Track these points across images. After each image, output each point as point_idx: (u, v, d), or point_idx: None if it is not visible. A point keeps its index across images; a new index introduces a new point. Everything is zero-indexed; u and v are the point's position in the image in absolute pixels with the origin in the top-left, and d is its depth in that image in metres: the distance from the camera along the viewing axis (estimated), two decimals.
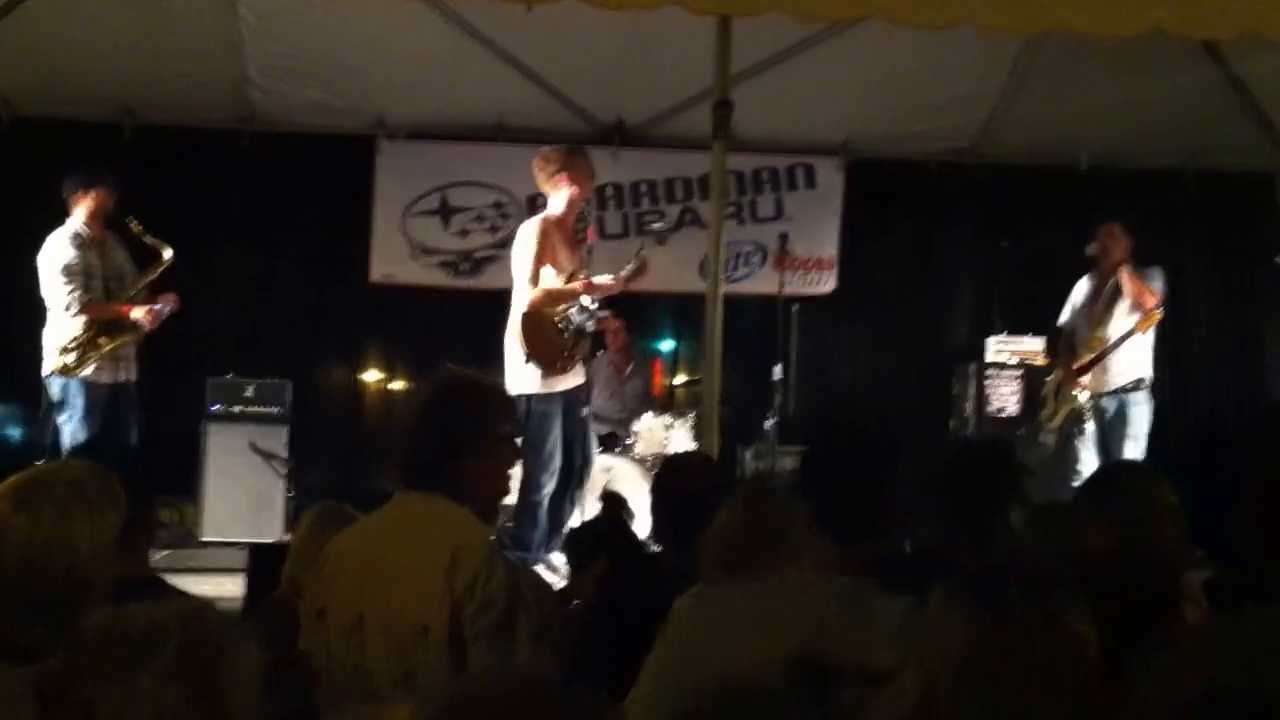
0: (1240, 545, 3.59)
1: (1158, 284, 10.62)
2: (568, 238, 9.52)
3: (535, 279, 9.30)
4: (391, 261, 12.84)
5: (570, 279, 9.39)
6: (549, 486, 9.33)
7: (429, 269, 12.93)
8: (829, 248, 13.25)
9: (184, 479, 11.33)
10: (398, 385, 13.35)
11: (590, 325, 9.43)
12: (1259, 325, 13.83)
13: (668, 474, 6.20)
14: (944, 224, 13.84)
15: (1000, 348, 12.47)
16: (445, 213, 12.94)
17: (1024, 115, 12.48)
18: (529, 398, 9.18)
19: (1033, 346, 12.20)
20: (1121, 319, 10.65)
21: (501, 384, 8.27)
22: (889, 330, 13.94)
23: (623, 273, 9.52)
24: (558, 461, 9.38)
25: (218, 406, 11.61)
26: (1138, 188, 13.01)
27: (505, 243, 11.95)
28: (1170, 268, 11.05)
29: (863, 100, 12.45)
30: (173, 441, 11.39)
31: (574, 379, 9.49)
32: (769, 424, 11.51)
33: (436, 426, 4.21)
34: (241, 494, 11.38)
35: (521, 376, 9.24)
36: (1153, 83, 11.33)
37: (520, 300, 9.36)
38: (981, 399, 12.24)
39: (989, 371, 12.31)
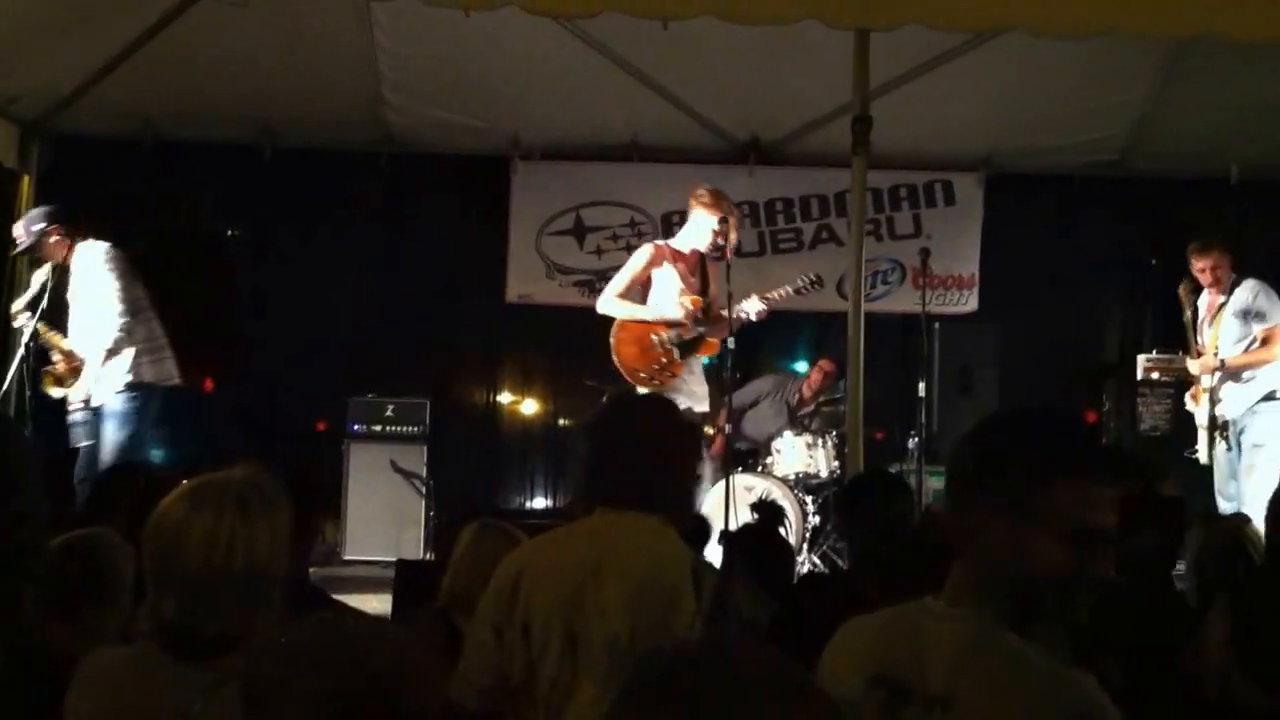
0: None
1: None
2: (688, 266, 10.19)
3: (625, 292, 10.11)
4: (527, 281, 13.35)
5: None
6: None
7: (564, 288, 13.38)
8: (969, 265, 13.54)
9: (327, 497, 11.50)
10: (534, 404, 13.89)
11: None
12: None
13: (855, 497, 6.43)
14: (1090, 238, 13.86)
15: (1150, 364, 12.53)
16: (580, 232, 13.42)
17: (1171, 125, 12.53)
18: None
19: (1184, 364, 11.60)
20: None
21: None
22: (1035, 348, 13.91)
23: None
24: None
25: (359, 426, 12.33)
26: None
27: None
28: None
29: (1003, 113, 12.61)
30: (316, 461, 12.02)
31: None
32: (913, 443, 11.74)
33: (652, 446, 4.46)
34: (383, 512, 12.08)
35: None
36: None
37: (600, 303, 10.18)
38: (1134, 418, 12.40)
39: (1140, 390, 12.43)
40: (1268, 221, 12.34)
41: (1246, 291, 10.83)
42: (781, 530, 7.33)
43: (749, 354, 12.60)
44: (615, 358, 10.00)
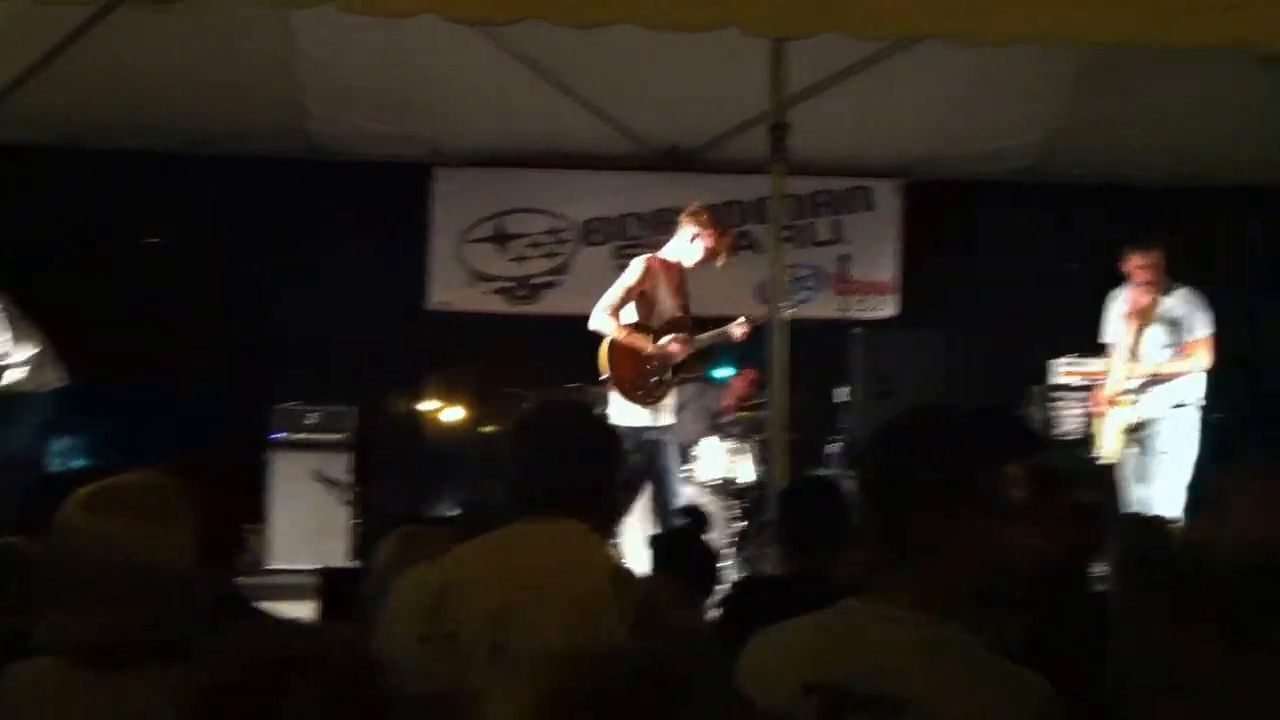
0: None
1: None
2: (673, 278, 10.45)
3: (616, 309, 10.29)
4: (449, 289, 13.48)
5: (669, 324, 10.36)
6: None
7: (486, 295, 13.52)
8: (888, 271, 13.74)
9: (251, 506, 11.72)
10: (457, 411, 13.92)
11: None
12: None
13: (792, 498, 6.65)
14: (1008, 245, 13.77)
15: (1068, 369, 12.70)
16: (501, 239, 13.51)
17: (1086, 133, 12.63)
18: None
19: (1101, 368, 11.83)
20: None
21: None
22: (955, 353, 13.40)
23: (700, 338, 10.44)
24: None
25: (282, 434, 12.44)
26: (1205, 205, 13.18)
27: (562, 268, 12.84)
28: (1238, 285, 11.49)
29: (922, 121, 12.69)
30: (240, 469, 11.59)
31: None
32: (834, 448, 12.06)
33: (573, 452, 4.47)
34: (307, 520, 12.15)
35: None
36: (1218, 97, 11.51)
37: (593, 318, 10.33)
38: (1050, 422, 12.47)
39: (1058, 395, 12.57)
40: (1184, 225, 12.38)
41: (1181, 301, 10.98)
42: (705, 536, 7.43)
43: None
44: (608, 374, 10.15)
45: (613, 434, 4.97)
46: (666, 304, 10.38)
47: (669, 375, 10.25)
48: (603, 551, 4.45)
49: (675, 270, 10.45)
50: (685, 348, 10.33)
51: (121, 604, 3.41)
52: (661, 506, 10.38)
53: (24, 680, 3.51)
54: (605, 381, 10.28)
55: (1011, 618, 3.17)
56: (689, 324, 10.47)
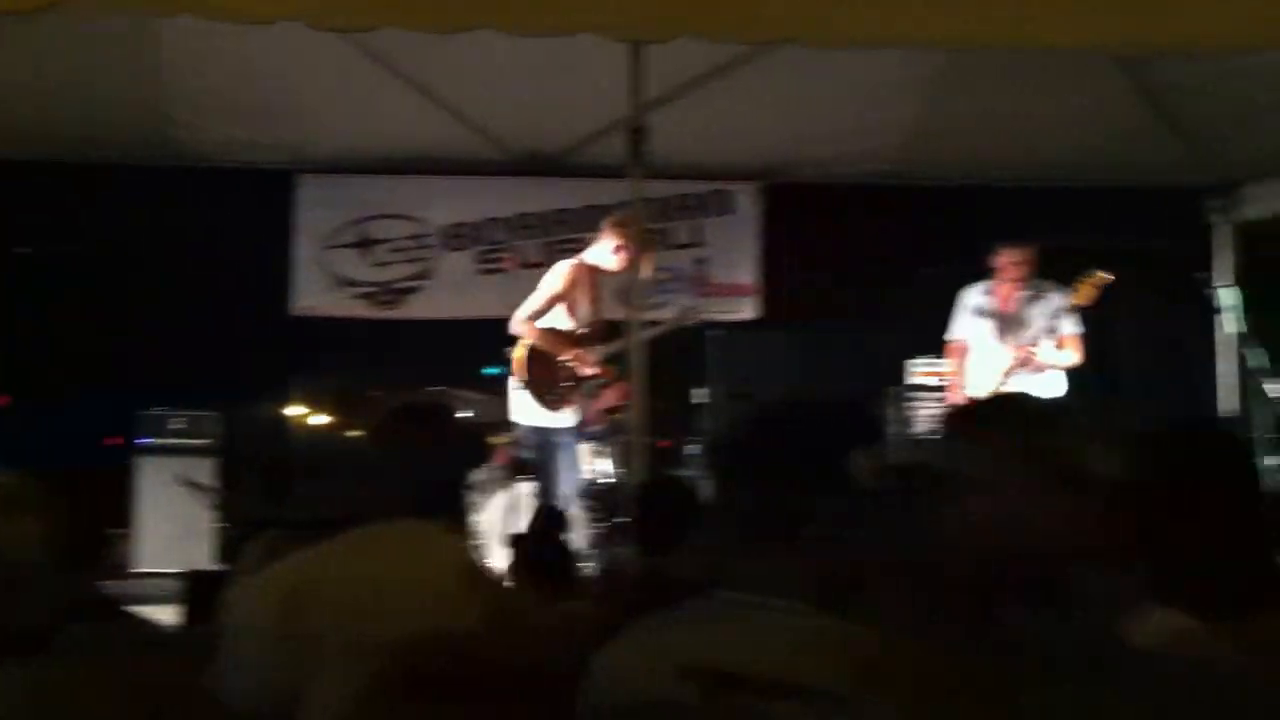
0: None
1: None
2: (594, 290, 10.69)
3: (539, 315, 10.58)
4: (313, 294, 13.41)
5: (587, 330, 10.63)
6: None
7: (349, 301, 13.46)
8: (748, 274, 13.82)
9: (117, 510, 12.01)
10: (321, 415, 14.02)
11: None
12: (1183, 344, 14.14)
13: (640, 498, 6.74)
14: (865, 248, 14.12)
15: (922, 371, 12.92)
16: (364, 245, 13.48)
17: (944, 135, 12.65)
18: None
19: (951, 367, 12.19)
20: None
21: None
22: (814, 355, 13.75)
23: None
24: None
25: (148, 439, 12.51)
26: (1059, 205, 13.52)
27: (424, 273, 12.93)
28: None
29: (781, 124, 12.74)
30: (105, 474, 11.99)
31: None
32: (692, 450, 12.15)
33: (423, 453, 4.65)
34: (172, 525, 12.21)
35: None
36: (1072, 99, 11.69)
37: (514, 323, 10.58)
38: (906, 422, 12.65)
39: (913, 394, 12.76)
40: (1038, 226, 12.61)
41: (1058, 295, 11.30)
42: (563, 535, 7.57)
43: None
44: (523, 377, 10.39)
45: (468, 436, 5.09)
46: (584, 309, 10.55)
47: (581, 381, 10.41)
48: (457, 551, 4.52)
49: (595, 276, 10.63)
50: (597, 354, 10.51)
51: None
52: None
53: None
54: (522, 384, 10.55)
55: (872, 601, 3.23)
56: (604, 329, 10.64)
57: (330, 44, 10.59)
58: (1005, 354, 11.39)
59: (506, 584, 4.93)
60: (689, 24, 7.47)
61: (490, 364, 11.47)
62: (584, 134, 12.80)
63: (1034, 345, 11.27)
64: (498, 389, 11.05)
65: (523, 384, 10.52)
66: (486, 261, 13.30)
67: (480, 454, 12.13)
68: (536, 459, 10.76)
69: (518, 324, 10.63)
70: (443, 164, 13.41)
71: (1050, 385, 11.27)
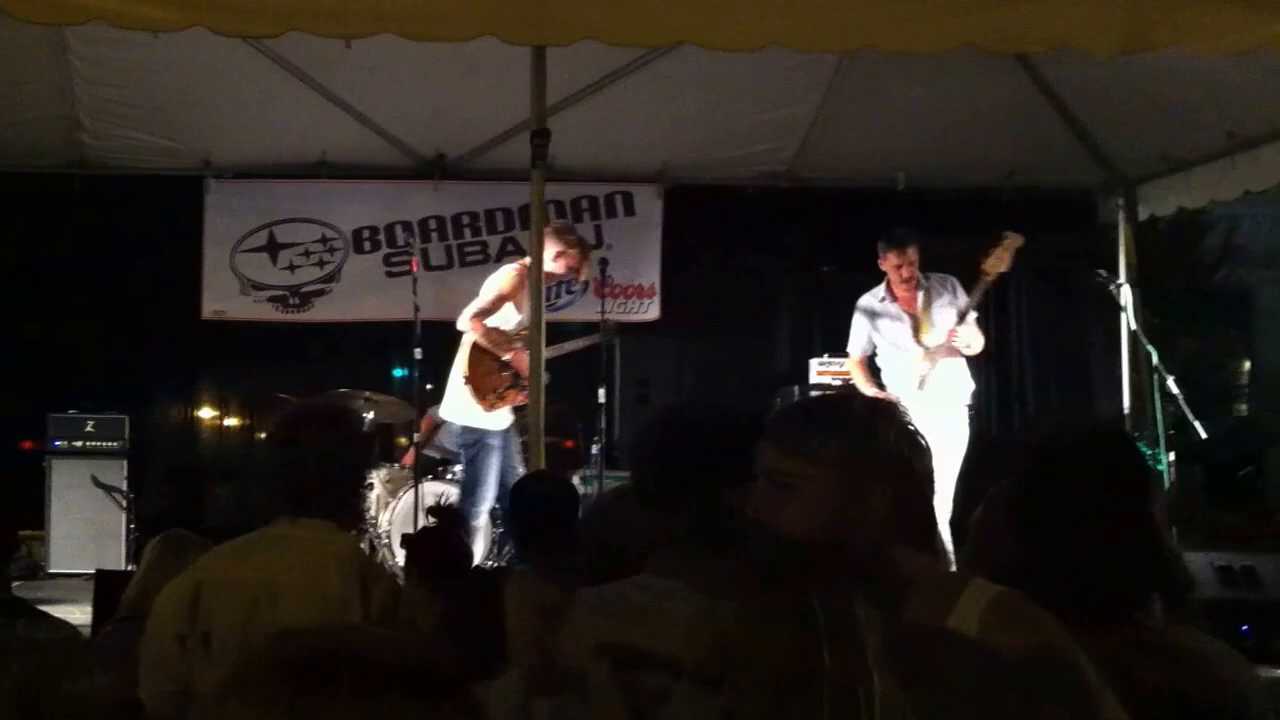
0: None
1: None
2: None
3: (486, 313, 10.73)
4: (222, 298, 13.40)
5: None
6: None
7: (258, 304, 13.47)
8: (650, 275, 13.87)
9: (30, 512, 12.10)
10: (231, 418, 14.12)
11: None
12: (1083, 342, 14.47)
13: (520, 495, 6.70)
14: (764, 249, 14.33)
15: (823, 369, 13.09)
16: (273, 249, 13.50)
17: (839, 137, 12.85)
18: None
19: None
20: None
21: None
22: (713, 355, 14.38)
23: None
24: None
25: (60, 442, 12.61)
26: (956, 206, 13.68)
27: (332, 276, 13.04)
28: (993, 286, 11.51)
29: (679, 126, 12.91)
30: (16, 476, 12.17)
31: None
32: (595, 449, 12.23)
33: (321, 454, 4.64)
34: (85, 527, 12.39)
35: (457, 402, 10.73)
36: (969, 100, 11.79)
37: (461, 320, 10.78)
38: None
39: (812, 394, 12.29)
40: (935, 227, 12.72)
41: (944, 287, 11.36)
42: (463, 533, 7.76)
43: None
44: (463, 376, 10.61)
45: (366, 438, 5.17)
46: (526, 312, 10.72)
47: (520, 382, 10.60)
48: (353, 551, 4.72)
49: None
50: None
51: None
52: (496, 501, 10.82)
53: None
54: (464, 379, 10.72)
55: (778, 590, 3.39)
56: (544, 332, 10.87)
57: (237, 51, 10.72)
58: (920, 352, 11.33)
59: (399, 582, 4.96)
60: (588, 28, 7.74)
61: (398, 366, 11.63)
62: (488, 137, 12.96)
63: (953, 333, 11.19)
64: (404, 391, 11.20)
65: (464, 380, 10.69)
66: (393, 265, 13.38)
67: (381, 454, 12.36)
68: (465, 458, 10.95)
69: (465, 320, 10.79)
70: (350, 169, 13.52)
71: (961, 379, 11.32)
